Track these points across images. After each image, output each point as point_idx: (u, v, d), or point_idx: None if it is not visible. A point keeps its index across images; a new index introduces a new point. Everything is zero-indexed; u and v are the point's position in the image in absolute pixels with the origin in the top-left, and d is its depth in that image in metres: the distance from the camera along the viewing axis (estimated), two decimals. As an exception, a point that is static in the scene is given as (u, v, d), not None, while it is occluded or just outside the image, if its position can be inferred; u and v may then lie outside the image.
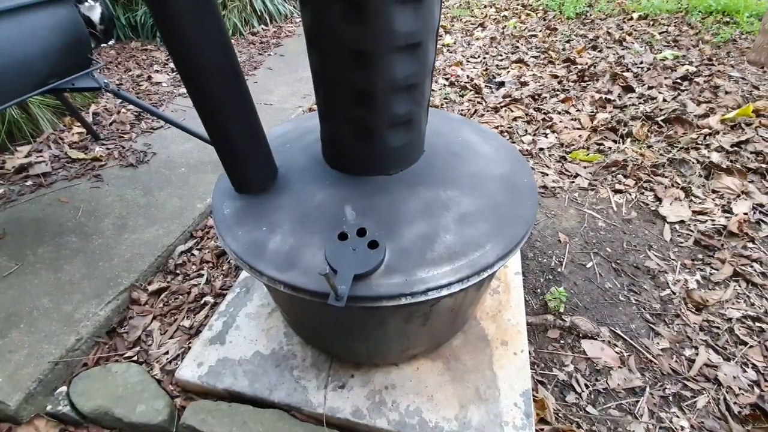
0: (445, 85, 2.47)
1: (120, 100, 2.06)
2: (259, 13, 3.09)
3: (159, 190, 1.55)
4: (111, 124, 1.96)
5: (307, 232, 0.71)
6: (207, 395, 0.93)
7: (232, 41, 2.99)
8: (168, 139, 1.87)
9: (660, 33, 3.15)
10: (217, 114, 0.68)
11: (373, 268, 0.63)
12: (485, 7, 3.83)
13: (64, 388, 0.97)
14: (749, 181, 1.65)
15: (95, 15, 2.82)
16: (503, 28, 3.30)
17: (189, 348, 1.03)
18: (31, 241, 1.31)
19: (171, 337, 1.08)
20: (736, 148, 1.81)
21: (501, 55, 2.83)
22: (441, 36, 3.24)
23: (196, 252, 1.34)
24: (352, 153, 0.77)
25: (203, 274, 1.26)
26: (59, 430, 0.92)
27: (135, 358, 1.04)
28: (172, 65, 2.68)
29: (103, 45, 3.02)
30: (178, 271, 1.27)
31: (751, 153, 1.79)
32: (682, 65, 2.60)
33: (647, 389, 1.00)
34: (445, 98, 2.33)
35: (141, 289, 1.18)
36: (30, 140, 1.80)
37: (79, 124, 1.92)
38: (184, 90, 2.36)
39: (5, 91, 1.02)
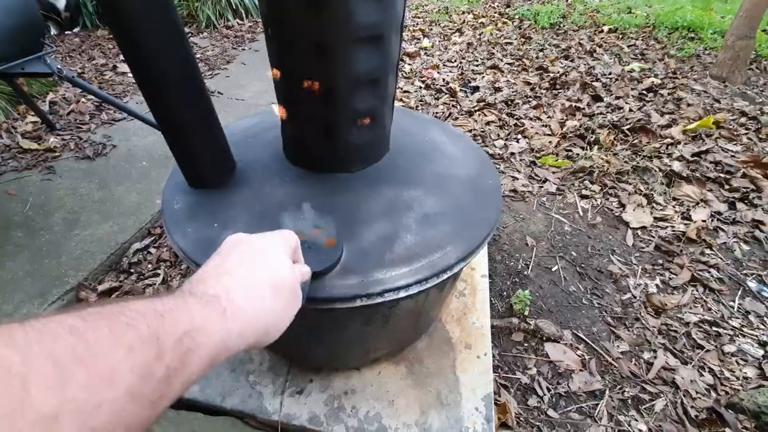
0: (420, 87, 2.47)
1: (80, 90, 1.95)
2: (234, 7, 3.02)
3: (117, 184, 1.47)
4: (69, 114, 1.85)
5: (262, 230, 0.67)
6: (155, 402, 0.88)
7: (205, 34, 2.90)
8: (130, 131, 1.79)
9: (628, 46, 3.27)
10: (166, 101, 0.64)
11: (328, 266, 0.60)
12: (463, 13, 3.88)
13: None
14: (708, 190, 1.72)
15: (60, 2, 2.68)
16: (480, 35, 3.34)
17: (139, 351, 0.97)
18: (-31, 236, 1.21)
19: (120, 340, 1.02)
20: (696, 158, 1.88)
21: (477, 61, 2.86)
22: (419, 39, 3.25)
23: (153, 250, 1.27)
24: (313, 150, 0.74)
25: (159, 274, 1.20)
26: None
27: (79, 363, 0.97)
28: (139, 56, 2.56)
29: (67, 32, 2.88)
30: (132, 270, 1.20)
31: (711, 163, 1.86)
32: (648, 77, 2.69)
33: (607, 392, 1.01)
34: (420, 100, 2.33)
35: (90, 289, 1.11)
36: (-24, 128, 1.68)
37: (33, 112, 1.81)
38: (150, 82, 2.27)
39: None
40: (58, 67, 1.24)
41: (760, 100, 2.60)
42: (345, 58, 0.60)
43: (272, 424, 0.82)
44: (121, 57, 2.52)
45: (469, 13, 3.87)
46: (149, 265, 1.22)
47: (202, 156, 0.73)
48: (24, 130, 1.72)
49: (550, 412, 0.96)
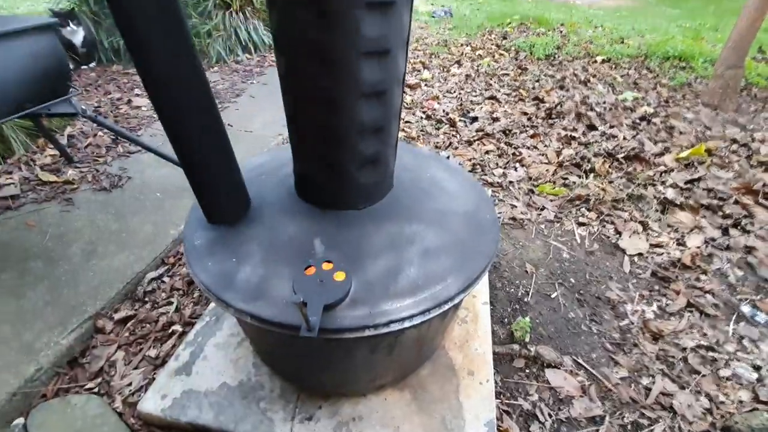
0: (422, 117, 2.57)
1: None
2: (243, 43, 3.17)
3: (132, 215, 1.54)
4: (86, 147, 1.94)
5: (277, 264, 0.73)
6: (170, 429, 0.91)
7: (216, 69, 3.05)
8: (144, 163, 1.87)
9: (621, 76, 3.39)
10: (189, 144, 0.71)
11: (339, 298, 0.65)
12: (462, 45, 4.04)
13: (21, 420, 0.93)
14: (702, 217, 1.77)
15: (77, 38, 2.84)
16: (478, 66, 3.48)
17: (153, 379, 1.01)
18: (-7, 266, 1.27)
19: (135, 368, 1.06)
20: (689, 185, 1.95)
21: (475, 92, 2.98)
22: (419, 71, 3.39)
23: (166, 279, 1.32)
24: (322, 188, 0.81)
25: (173, 302, 1.25)
26: (9, 468, 0.88)
27: (96, 390, 1.00)
28: (153, 90, 2.69)
29: (83, 67, 3.03)
30: (146, 299, 1.25)
31: (704, 190, 1.92)
32: (641, 106, 2.79)
33: (607, 418, 1.03)
34: (421, 130, 2.42)
35: (107, 317, 1.16)
36: (0, 161, 1.77)
37: (52, 146, 1.90)
38: (164, 115, 2.38)
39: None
40: (83, 107, 1.33)
41: (751, 126, 2.69)
42: (352, 111, 0.68)
43: (282, 450, 0.85)
44: (136, 91, 2.65)
45: (467, 46, 4.03)
46: (163, 294, 1.27)
47: (220, 194, 0.79)
48: (43, 162, 1.81)
49: (552, 439, 0.98)
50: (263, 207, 0.86)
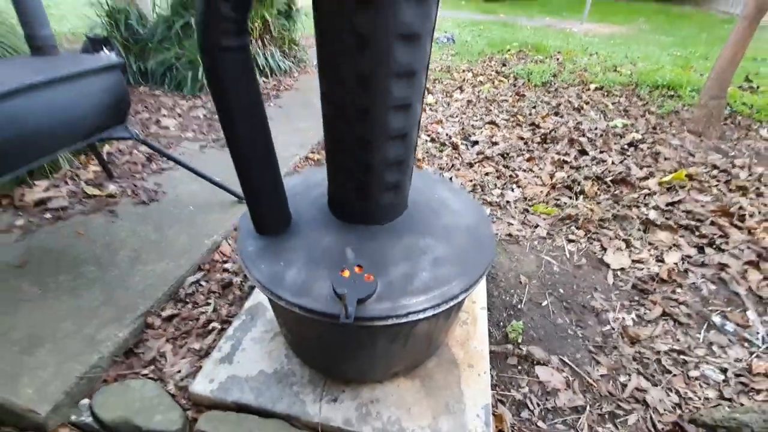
0: (427, 140, 2.78)
1: (132, 142, 2.26)
2: (261, 68, 3.41)
3: (169, 227, 1.73)
4: (124, 163, 2.14)
5: (317, 267, 0.91)
6: (217, 407, 1.08)
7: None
8: (177, 179, 2.07)
9: (613, 103, 3.63)
10: (251, 174, 0.90)
11: (368, 294, 0.83)
12: (464, 71, 4.30)
13: (86, 401, 1.09)
14: (680, 236, 1.95)
15: (110, 62, 3.07)
16: (478, 92, 3.72)
17: (200, 367, 1.18)
18: (51, 270, 1.45)
19: (183, 358, 1.23)
20: (670, 207, 2.14)
21: (476, 116, 3.20)
22: (424, 96, 3.62)
23: (203, 283, 1.50)
24: (352, 208, 1.00)
25: (210, 303, 1.42)
26: (80, 439, 1.04)
27: (150, 376, 1.17)
28: (178, 110, 2.92)
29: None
30: (187, 300, 1.43)
31: (683, 211, 2.12)
32: (630, 133, 3.01)
33: (588, 408, 1.19)
34: (426, 152, 2.63)
35: (155, 315, 1.33)
36: (48, 176, 1.96)
37: (93, 162, 2.10)
38: (190, 135, 2.59)
39: (64, 142, 1.22)
40: (136, 132, 1.53)
41: (733, 153, 2.90)
42: (381, 149, 0.87)
43: (314, 425, 1.01)
44: (163, 112, 2.87)
45: (468, 72, 4.29)
46: (201, 296, 1.45)
47: (269, 211, 0.98)
48: (87, 177, 2.00)
49: (540, 424, 1.14)
50: (301, 222, 1.05)
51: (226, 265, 1.60)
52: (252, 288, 1.49)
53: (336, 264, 0.90)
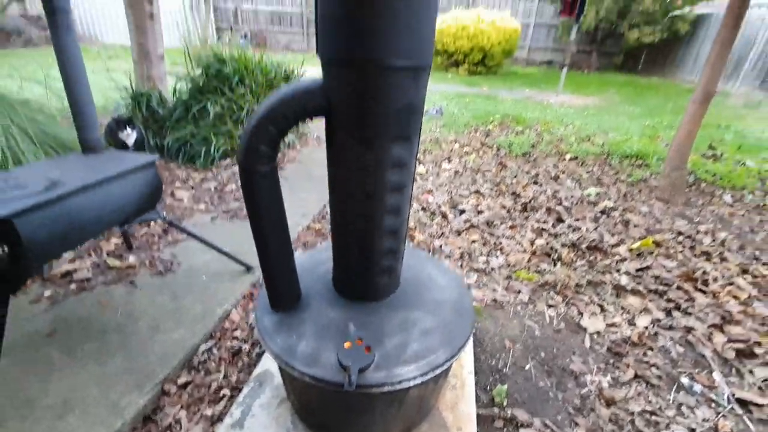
0: (418, 209, 3.04)
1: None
2: (267, 142, 3.75)
3: (184, 296, 1.89)
4: (142, 235, 2.35)
5: (324, 340, 1.08)
6: (229, 471, 1.18)
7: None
8: (190, 250, 2.26)
9: (587, 172, 3.98)
10: (271, 262, 1.10)
11: (368, 364, 1.00)
12: (451, 142, 4.71)
13: (110, 466, 1.19)
14: (649, 300, 2.14)
15: (130, 140, 3.37)
16: (465, 162, 4.08)
17: (213, 432, 1.30)
18: (78, 338, 1.59)
19: (196, 424, 1.34)
20: (639, 273, 2.35)
21: (463, 186, 3.51)
22: (415, 165, 3.96)
23: (215, 351, 1.64)
24: (354, 287, 1.19)
25: (221, 371, 1.55)
26: (102, 504, 1.13)
27: (167, 441, 1.28)
28: (191, 183, 3.19)
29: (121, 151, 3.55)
30: (200, 368, 1.56)
31: (652, 277, 2.32)
32: (603, 200, 3.31)
33: (567, 468, 1.31)
34: (418, 221, 2.87)
35: (172, 382, 1.46)
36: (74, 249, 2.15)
37: (115, 234, 2.30)
38: (202, 206, 2.83)
39: (106, 228, 1.43)
40: (164, 214, 1.75)
41: (697, 219, 3.18)
42: (378, 241, 1.09)
43: (317, 486, 1.12)
44: (176, 184, 3.13)
45: (455, 143, 4.70)
46: (213, 363, 1.58)
47: (283, 291, 1.17)
48: (108, 249, 2.20)
49: (523, 484, 1.25)
50: (309, 298, 1.24)
51: (236, 333, 1.75)
52: (259, 355, 1.63)
53: (340, 337, 1.08)
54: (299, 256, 1.52)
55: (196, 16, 11.04)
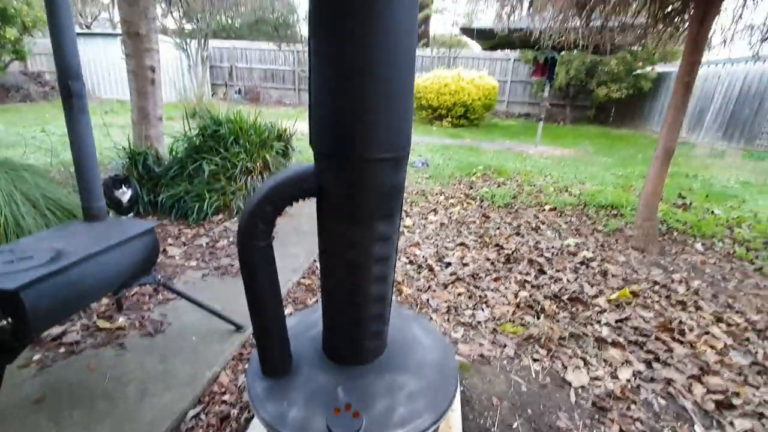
0: (406, 262, 3.14)
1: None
2: (259, 198, 3.88)
3: (173, 357, 1.90)
4: (133, 294, 2.37)
5: (314, 406, 1.13)
6: None
7: (235, 219, 3.68)
8: (181, 309, 2.29)
9: (565, 223, 4.17)
10: (264, 333, 1.17)
11: (357, 430, 1.05)
12: (437, 194, 4.91)
13: None
14: (630, 352, 2.21)
15: (125, 198, 3.48)
16: (450, 214, 4.25)
17: (200, 505, 1.28)
18: (66, 405, 1.58)
19: (183, 496, 1.32)
20: (619, 324, 2.44)
21: (448, 238, 3.64)
22: (402, 218, 4.11)
23: (203, 416, 1.64)
24: (343, 352, 1.26)
25: (209, 437, 1.55)
26: None
27: None
28: (183, 239, 3.25)
29: (122, 217, 3.62)
30: (188, 434, 1.55)
31: (631, 328, 2.41)
32: (582, 251, 3.46)
33: None
34: (406, 274, 2.96)
35: (159, 451, 1.45)
36: (63, 310, 2.16)
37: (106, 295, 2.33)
38: (193, 263, 2.88)
39: (104, 293, 1.48)
40: (159, 277, 1.81)
41: (672, 268, 3.33)
42: (366, 307, 1.17)
43: None
44: (168, 241, 3.19)
45: (441, 194, 4.90)
46: (200, 429, 1.58)
47: (275, 357, 1.23)
48: (98, 310, 2.21)
49: None
50: (300, 362, 1.29)
51: (225, 397, 1.75)
52: (248, 420, 1.63)
53: (330, 403, 1.13)
54: (290, 319, 1.58)
55: (193, 76, 11.62)
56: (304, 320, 1.54)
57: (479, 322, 2.41)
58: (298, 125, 4.91)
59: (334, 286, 1.18)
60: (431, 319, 2.44)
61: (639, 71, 12.37)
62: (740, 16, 3.79)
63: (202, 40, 12.25)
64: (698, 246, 3.84)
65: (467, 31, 10.65)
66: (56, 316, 1.32)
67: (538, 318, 2.46)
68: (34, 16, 10.74)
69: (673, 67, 12.29)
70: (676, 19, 3.90)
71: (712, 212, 4.85)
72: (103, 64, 13.56)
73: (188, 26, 12.56)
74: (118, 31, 12.71)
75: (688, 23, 3.68)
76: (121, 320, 2.15)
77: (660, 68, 12.54)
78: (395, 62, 0.95)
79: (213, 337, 2.07)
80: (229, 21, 14.60)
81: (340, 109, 0.95)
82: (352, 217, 1.06)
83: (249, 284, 1.13)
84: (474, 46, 16.10)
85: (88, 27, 16.82)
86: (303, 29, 14.82)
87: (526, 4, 3.53)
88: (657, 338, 2.32)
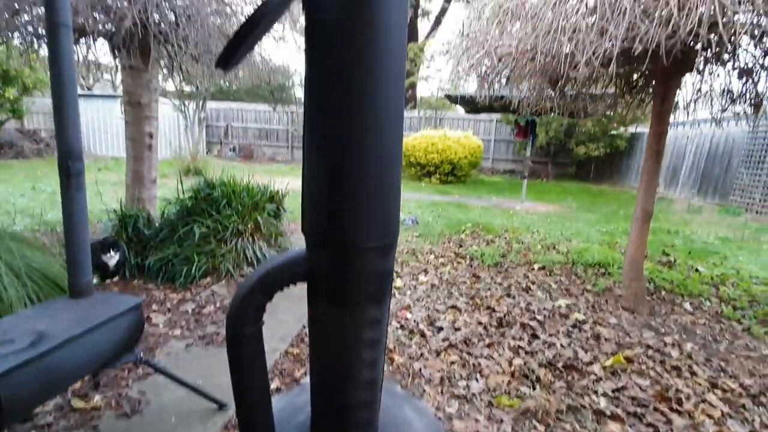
0: (397, 327, 3.08)
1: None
2: (249, 260, 3.87)
3: (150, 443, 1.78)
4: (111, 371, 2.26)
5: (300, 508, 1.06)
6: None
7: (223, 282, 3.63)
8: (161, 385, 2.18)
9: (555, 282, 4.20)
10: (250, 417, 1.13)
11: None
12: (427, 253, 4.95)
13: None
14: (629, 425, 2.14)
15: (112, 262, 3.45)
16: (441, 274, 4.25)
17: None
18: (25, 507, 1.44)
19: None
20: (616, 393, 2.38)
21: (439, 300, 3.61)
22: (393, 279, 4.09)
23: None
24: (332, 441, 1.20)
25: None
26: None
27: None
28: (168, 305, 3.17)
29: (107, 282, 3.55)
30: None
31: (628, 397, 2.35)
32: (573, 312, 3.45)
33: None
34: (397, 340, 2.89)
35: None
36: (34, 388, 2.04)
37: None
38: (177, 332, 2.79)
39: (84, 374, 1.42)
40: (141, 355, 1.75)
41: (663, 330, 3.32)
42: (354, 398, 1.14)
43: None
44: (153, 307, 3.11)
45: (431, 254, 4.94)
46: None
47: (262, 448, 1.17)
48: (74, 387, 2.09)
49: None
50: (287, 453, 1.22)
51: (203, 488, 1.62)
52: None
53: (318, 502, 1.06)
54: (276, 401, 1.52)
55: (189, 136, 12.00)
56: (291, 403, 1.48)
57: (474, 395, 2.33)
58: (290, 183, 5.03)
59: (322, 370, 1.16)
60: (424, 391, 2.35)
61: (614, 132, 13.17)
62: (699, 90, 4.16)
63: (200, 102, 12.81)
64: (687, 305, 3.87)
65: (451, 97, 11.37)
66: (33, 402, 1.25)
67: (534, 389, 2.39)
68: (36, 78, 11.21)
69: (645, 128, 13.14)
70: (641, 93, 4.26)
71: (697, 270, 4.94)
72: (101, 123, 13.98)
73: (187, 88, 13.18)
74: (119, 92, 13.29)
75: (652, 97, 4.02)
76: (97, 398, 2.03)
77: (633, 129, 13.39)
78: (385, 154, 1.02)
79: (194, 417, 1.96)
80: (227, 84, 15.40)
81: (332, 200, 1.01)
82: (342, 302, 1.07)
83: (235, 376, 1.10)
84: (459, 108, 17.13)
85: (89, 89, 17.54)
86: (298, 92, 15.67)
87: (504, 80, 3.83)
88: (655, 409, 2.26)
